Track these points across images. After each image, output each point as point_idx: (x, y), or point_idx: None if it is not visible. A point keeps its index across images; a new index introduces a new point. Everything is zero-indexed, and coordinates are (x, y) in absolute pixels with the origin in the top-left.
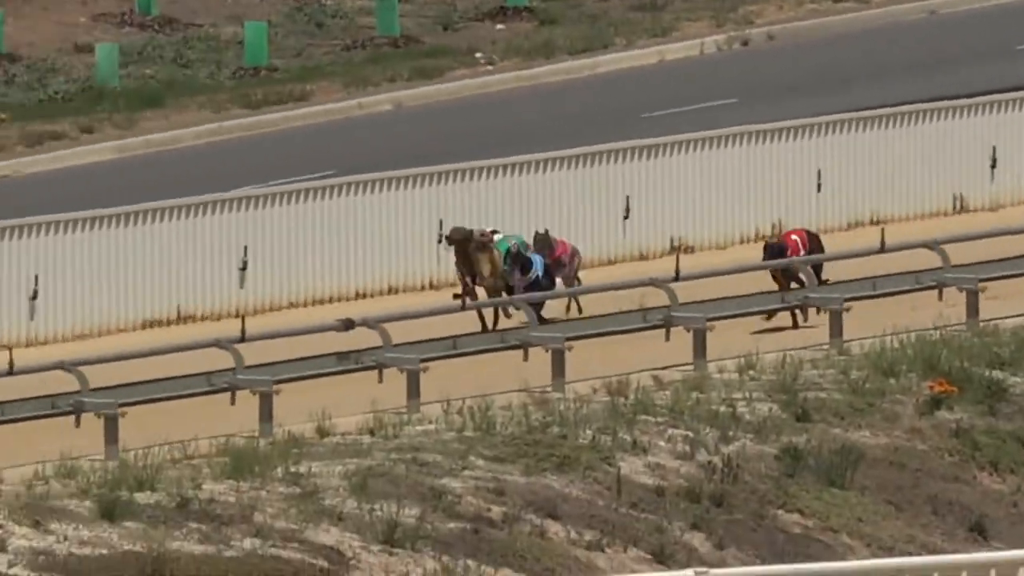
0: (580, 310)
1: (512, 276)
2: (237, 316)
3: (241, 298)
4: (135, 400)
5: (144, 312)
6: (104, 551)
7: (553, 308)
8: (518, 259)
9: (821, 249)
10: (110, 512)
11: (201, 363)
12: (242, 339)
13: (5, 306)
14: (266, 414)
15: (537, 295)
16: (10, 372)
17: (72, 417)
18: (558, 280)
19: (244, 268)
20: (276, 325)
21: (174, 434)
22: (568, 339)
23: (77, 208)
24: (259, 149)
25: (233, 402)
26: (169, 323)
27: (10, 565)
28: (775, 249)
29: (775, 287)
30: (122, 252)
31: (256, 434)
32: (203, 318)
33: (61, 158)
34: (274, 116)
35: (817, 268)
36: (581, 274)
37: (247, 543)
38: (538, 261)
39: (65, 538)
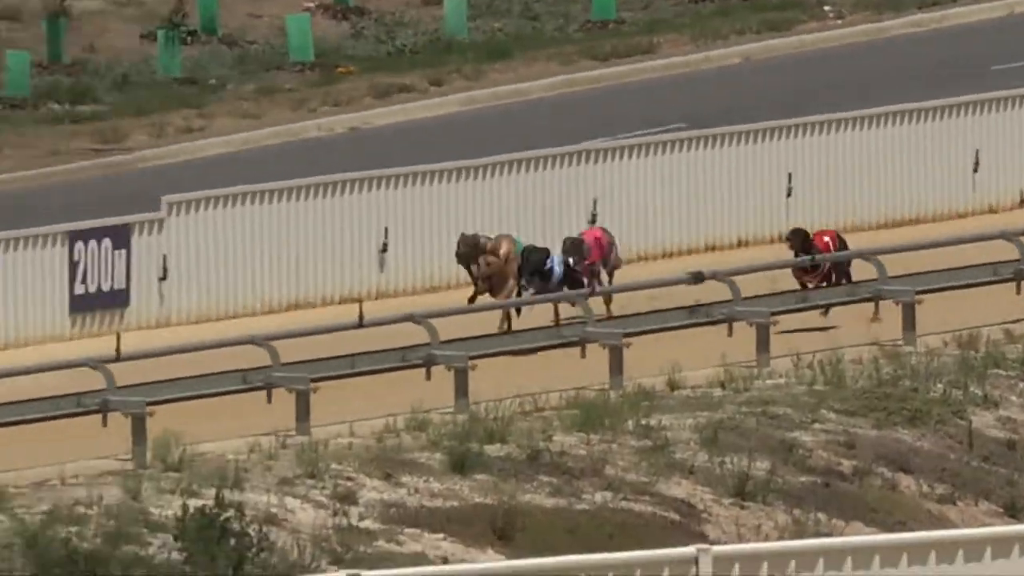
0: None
1: (531, 284)
2: None
3: None
4: (484, 353)
5: None
6: (455, 503)
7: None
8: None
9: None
10: (460, 465)
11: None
12: (592, 293)
13: (356, 259)
14: (616, 367)
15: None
16: (360, 325)
17: (422, 370)
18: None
19: (593, 221)
20: (627, 279)
21: (524, 387)
22: (918, 292)
23: (426, 161)
24: (606, 101)
25: (584, 355)
26: None
27: (361, 518)
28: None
29: None
30: (469, 205)
31: (606, 387)
32: None
33: (409, 111)
34: (621, 69)
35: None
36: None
37: (598, 496)
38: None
39: (416, 490)
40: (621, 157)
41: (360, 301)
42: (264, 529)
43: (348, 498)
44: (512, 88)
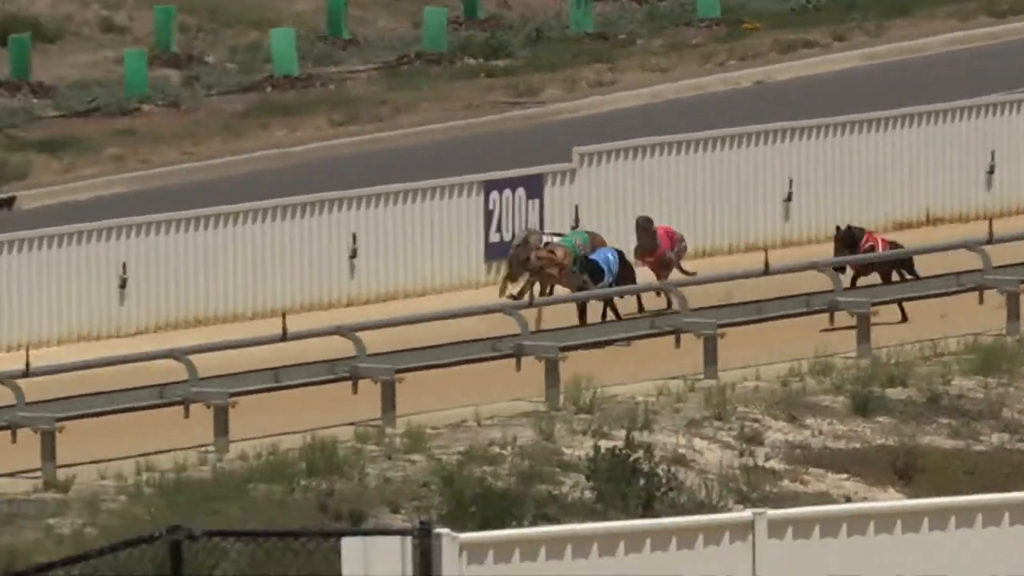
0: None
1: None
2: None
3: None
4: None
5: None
6: (857, 445)
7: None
8: (584, 265)
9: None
10: (863, 407)
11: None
12: (989, 241)
13: (760, 209)
14: (1015, 313)
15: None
16: (766, 272)
17: (825, 316)
18: None
19: (991, 171)
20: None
21: (924, 333)
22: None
23: (827, 113)
24: (1003, 57)
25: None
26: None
27: (767, 458)
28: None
29: None
30: (872, 157)
31: (1003, 332)
32: (951, 221)
33: (812, 65)
34: (1020, 25)
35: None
36: None
37: (995, 438)
38: (607, 259)
39: (819, 432)
40: (1019, 111)
41: (765, 249)
42: (672, 469)
43: (754, 439)
44: (911, 43)
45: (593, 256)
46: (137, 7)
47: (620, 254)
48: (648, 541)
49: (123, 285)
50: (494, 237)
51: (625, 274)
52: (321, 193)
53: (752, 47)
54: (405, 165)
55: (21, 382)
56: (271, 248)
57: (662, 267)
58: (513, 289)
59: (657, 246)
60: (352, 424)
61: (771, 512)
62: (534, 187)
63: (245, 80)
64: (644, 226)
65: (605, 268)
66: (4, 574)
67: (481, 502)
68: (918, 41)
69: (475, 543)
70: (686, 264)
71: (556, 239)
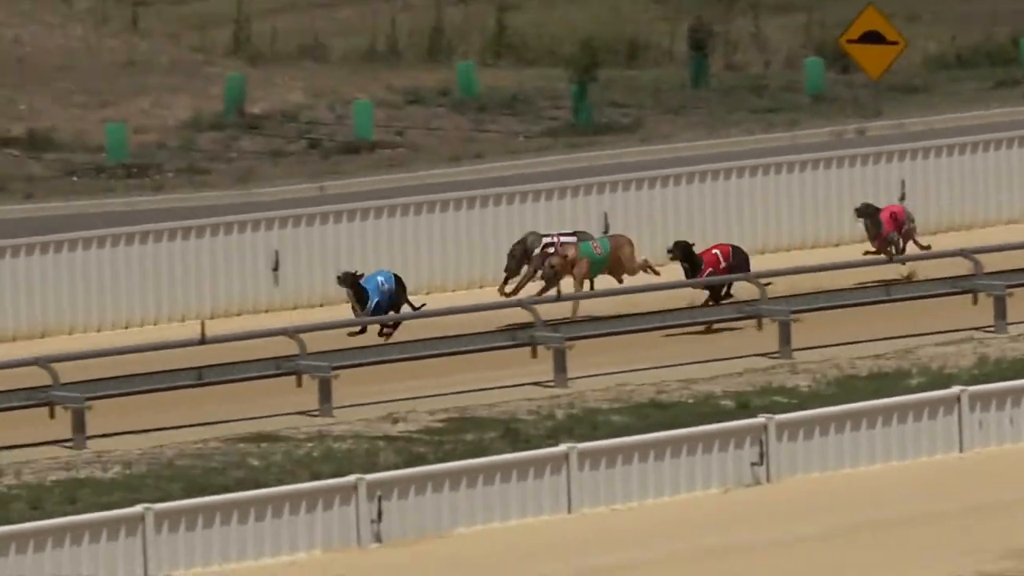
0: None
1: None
2: None
3: None
4: None
5: None
6: None
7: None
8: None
9: None
10: None
11: None
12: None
13: None
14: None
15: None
16: None
17: None
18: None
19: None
20: None
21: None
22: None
23: None
24: None
25: None
26: None
27: None
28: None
29: None
30: None
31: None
32: None
33: None
34: None
35: None
36: None
37: None
38: (376, 283)
39: None
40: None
41: None
42: None
43: None
44: None
45: (362, 281)
46: None
47: (397, 278)
48: None
49: None
50: None
51: (401, 297)
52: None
53: None
54: None
55: None
56: None
57: (885, 246)
58: (508, 287)
59: (879, 231)
60: None
61: None
62: None
63: None
64: (868, 213)
65: (371, 291)
66: None
67: None
68: None
69: None
70: (922, 239)
71: (571, 239)
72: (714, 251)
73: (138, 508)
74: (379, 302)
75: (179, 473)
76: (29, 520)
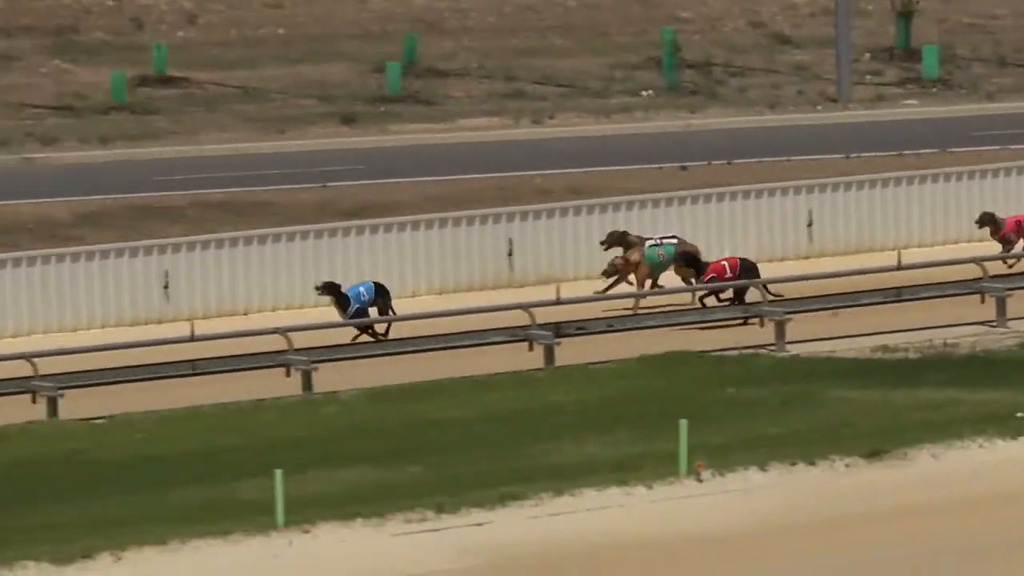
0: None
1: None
2: None
3: None
4: None
5: None
6: None
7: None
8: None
9: None
10: None
11: None
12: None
13: None
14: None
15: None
16: None
17: None
18: None
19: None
20: None
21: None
22: None
23: None
24: None
25: None
26: None
27: None
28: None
29: None
30: None
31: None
32: None
33: None
34: None
35: None
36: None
37: None
38: (358, 292)
39: None
40: None
41: None
42: None
43: None
44: None
45: (346, 290)
46: None
47: (377, 286)
48: None
49: None
50: None
51: (381, 304)
52: None
53: None
54: None
55: None
56: None
57: (1004, 244)
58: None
59: (1000, 230)
60: None
61: None
62: None
63: None
64: (988, 220)
65: (353, 298)
66: None
67: None
68: None
69: None
70: None
71: (653, 243)
72: (723, 263)
73: None
74: (359, 308)
75: None
76: None
